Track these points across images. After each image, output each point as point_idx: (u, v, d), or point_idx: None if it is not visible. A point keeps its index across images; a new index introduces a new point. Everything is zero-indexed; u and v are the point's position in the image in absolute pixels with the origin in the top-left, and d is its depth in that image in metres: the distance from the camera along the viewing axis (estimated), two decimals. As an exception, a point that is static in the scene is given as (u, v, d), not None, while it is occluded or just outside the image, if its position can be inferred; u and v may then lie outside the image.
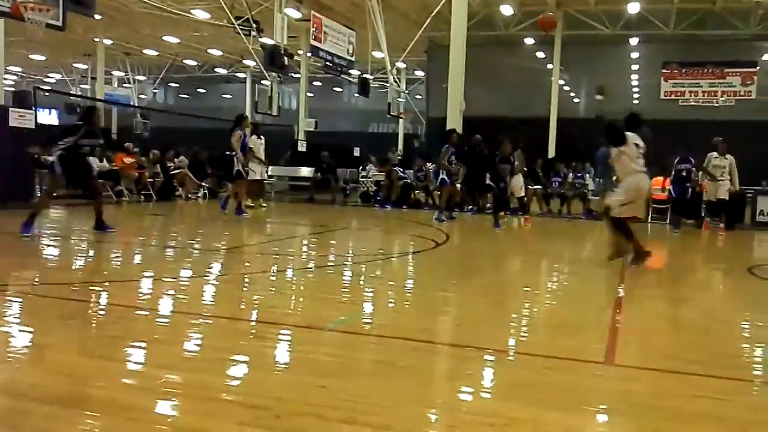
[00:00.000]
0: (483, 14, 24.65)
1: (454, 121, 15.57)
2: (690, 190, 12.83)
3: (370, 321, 4.94)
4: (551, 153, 24.44)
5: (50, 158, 8.60)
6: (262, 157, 14.15)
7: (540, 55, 28.69)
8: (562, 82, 27.87)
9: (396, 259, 8.48)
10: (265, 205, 14.87)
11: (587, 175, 15.72)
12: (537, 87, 27.28)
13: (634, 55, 28.80)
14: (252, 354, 3.83)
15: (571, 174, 15.95)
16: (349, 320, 4.77)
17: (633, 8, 23.66)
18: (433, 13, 19.82)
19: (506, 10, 24.20)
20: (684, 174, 12.71)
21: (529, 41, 28.31)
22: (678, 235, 12.19)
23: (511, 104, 27.31)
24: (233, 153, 12.43)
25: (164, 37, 29.96)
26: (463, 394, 3.28)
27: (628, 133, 7.40)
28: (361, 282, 6.70)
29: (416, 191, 17.19)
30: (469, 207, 15.33)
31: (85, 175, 8.91)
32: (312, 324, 4.53)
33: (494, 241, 10.35)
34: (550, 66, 27.01)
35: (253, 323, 4.75)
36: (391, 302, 5.74)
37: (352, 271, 7.27)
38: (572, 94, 30.78)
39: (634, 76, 29.30)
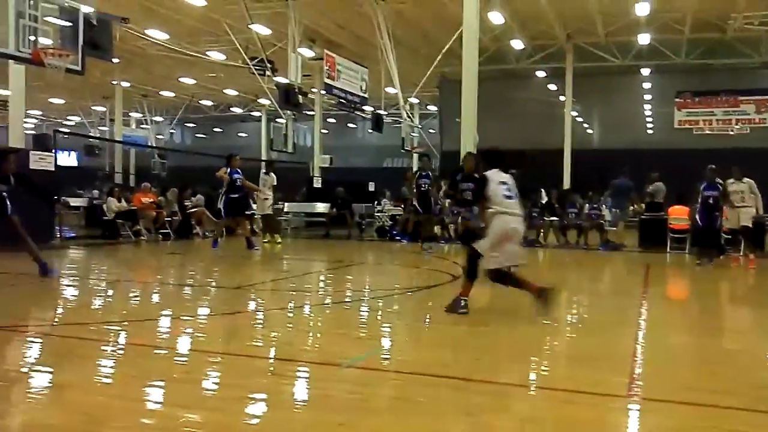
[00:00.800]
0: (494, 49, 24.91)
1: (468, 155, 15.58)
2: (718, 218, 11.74)
3: (387, 357, 4.91)
4: (566, 184, 24.38)
5: None
6: (271, 194, 14.52)
7: (552, 87, 28.84)
8: (575, 113, 27.93)
9: (412, 294, 8.44)
10: (280, 241, 14.95)
11: (603, 206, 15.60)
12: (550, 119, 27.36)
13: (647, 85, 28.85)
14: (270, 392, 3.82)
15: (587, 205, 15.86)
16: (367, 356, 4.75)
17: (643, 39, 23.76)
18: (444, 50, 20.04)
19: (517, 44, 24.51)
20: (711, 201, 11.63)
21: (541, 74, 28.52)
22: (701, 266, 11.82)
23: (525, 136, 27.30)
24: (221, 190, 12.79)
25: (180, 79, 30.53)
26: (481, 429, 3.24)
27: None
28: (378, 317, 6.68)
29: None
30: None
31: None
32: (329, 360, 4.51)
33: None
34: (562, 98, 27.12)
35: (271, 360, 4.74)
36: (408, 337, 5.71)
37: (369, 307, 7.25)
38: (585, 125, 30.83)
39: (647, 106, 29.30)
